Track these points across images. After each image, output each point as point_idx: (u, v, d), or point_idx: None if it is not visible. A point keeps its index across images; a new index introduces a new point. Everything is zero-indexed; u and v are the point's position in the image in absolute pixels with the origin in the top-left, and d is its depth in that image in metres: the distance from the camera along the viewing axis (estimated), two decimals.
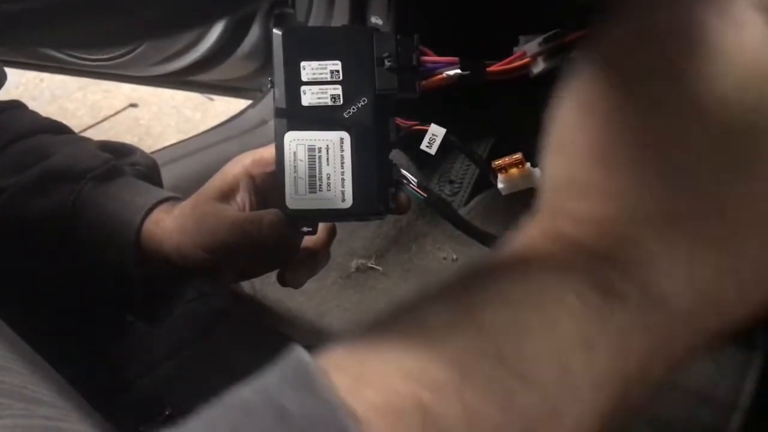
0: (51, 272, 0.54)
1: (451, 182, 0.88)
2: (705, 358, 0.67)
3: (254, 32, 0.89)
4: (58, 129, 0.59)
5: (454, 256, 0.79)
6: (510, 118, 0.85)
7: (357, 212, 0.46)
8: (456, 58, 0.47)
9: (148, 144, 1.80)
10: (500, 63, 0.46)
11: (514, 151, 0.47)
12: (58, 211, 0.52)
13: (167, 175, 0.69)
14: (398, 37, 0.46)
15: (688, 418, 0.62)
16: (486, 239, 0.49)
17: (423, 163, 0.88)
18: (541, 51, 0.45)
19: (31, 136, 0.56)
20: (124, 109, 1.97)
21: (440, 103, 0.52)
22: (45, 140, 0.56)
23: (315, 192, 0.46)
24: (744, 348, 0.67)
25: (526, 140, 0.48)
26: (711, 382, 0.65)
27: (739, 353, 0.66)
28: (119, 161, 0.56)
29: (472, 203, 0.86)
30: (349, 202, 0.45)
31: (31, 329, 0.41)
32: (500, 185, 0.47)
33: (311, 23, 0.84)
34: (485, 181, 0.86)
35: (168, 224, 0.51)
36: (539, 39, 0.45)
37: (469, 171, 0.87)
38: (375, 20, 0.81)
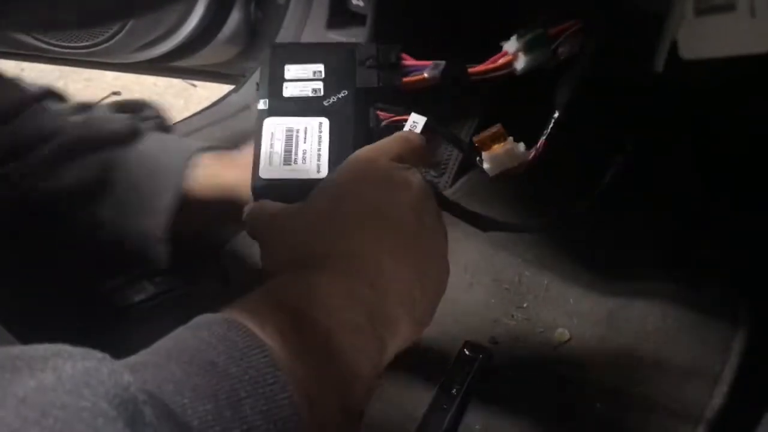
0: (71, 248, 0.53)
1: (436, 164, 0.88)
2: (690, 334, 0.67)
3: (234, 17, 0.88)
4: (59, 98, 0.58)
5: None
6: (492, 98, 0.85)
7: None
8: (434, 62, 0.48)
9: None
10: (482, 64, 0.47)
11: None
12: (87, 182, 0.51)
13: None
14: (379, 47, 0.48)
15: (672, 394, 0.63)
16: (471, 218, 0.49)
17: None
18: (520, 46, 0.46)
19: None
20: (107, 97, 1.95)
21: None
22: (52, 110, 0.55)
23: (290, 165, 0.45)
24: (728, 323, 0.67)
25: (509, 118, 0.49)
26: (695, 358, 0.65)
27: (723, 328, 0.67)
28: (137, 119, 0.56)
29: (457, 185, 0.86)
30: (324, 172, 0.45)
31: (28, 315, 0.41)
32: (486, 165, 0.47)
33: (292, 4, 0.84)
34: (470, 162, 0.87)
35: (206, 173, 0.52)
36: (515, 36, 0.46)
37: (454, 153, 0.87)
38: (356, 2, 0.81)
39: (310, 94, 0.47)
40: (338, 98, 0.47)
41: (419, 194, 0.41)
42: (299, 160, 0.45)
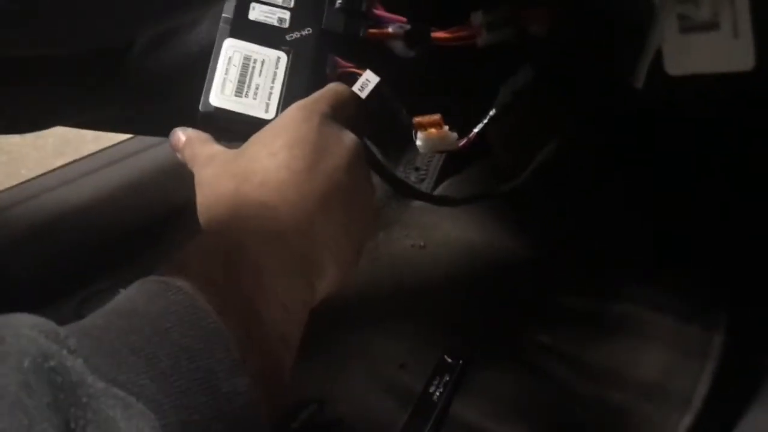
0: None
1: (417, 169, 0.88)
2: (668, 337, 0.68)
3: None
4: None
5: (422, 243, 0.80)
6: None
7: None
8: (404, 19, 0.50)
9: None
10: (446, 31, 0.50)
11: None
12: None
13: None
14: None
15: (653, 391, 0.63)
16: (395, 183, 0.54)
17: (388, 150, 0.88)
18: (484, 22, 0.49)
19: None
20: None
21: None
22: None
23: (240, 96, 0.46)
24: (706, 327, 0.68)
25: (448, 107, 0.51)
26: (674, 359, 0.66)
27: (701, 332, 0.68)
28: None
29: (438, 189, 0.86)
30: (272, 114, 0.46)
31: None
32: (418, 142, 0.50)
33: None
34: (451, 167, 0.87)
35: None
36: (481, 10, 0.48)
37: (435, 159, 0.87)
38: None
39: (275, 24, 0.48)
40: (301, 35, 0.48)
41: (350, 154, 0.44)
42: (251, 94, 0.46)
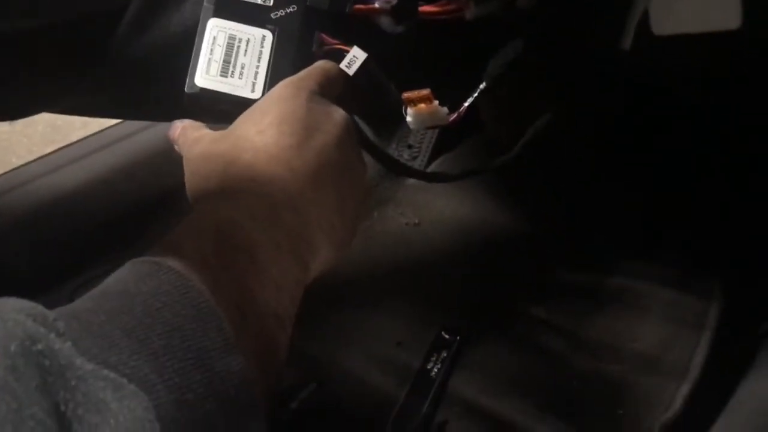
0: None
1: (410, 147, 0.88)
2: (665, 310, 0.68)
3: None
4: None
5: (416, 221, 0.79)
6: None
7: None
8: None
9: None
10: (434, 5, 0.49)
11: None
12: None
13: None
14: None
15: (649, 368, 0.64)
16: (386, 161, 0.54)
17: (381, 128, 0.88)
18: None
19: None
20: None
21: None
22: None
23: (226, 77, 0.46)
24: (701, 297, 0.68)
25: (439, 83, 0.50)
26: (671, 335, 0.66)
27: (696, 302, 0.68)
28: None
29: (432, 166, 0.86)
30: (258, 93, 0.46)
31: None
32: (409, 118, 0.50)
33: None
34: (444, 145, 0.87)
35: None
36: None
37: (427, 136, 0.87)
38: None
39: (259, 2, 0.47)
40: (286, 13, 0.47)
41: (340, 130, 0.43)
42: (236, 74, 0.46)
